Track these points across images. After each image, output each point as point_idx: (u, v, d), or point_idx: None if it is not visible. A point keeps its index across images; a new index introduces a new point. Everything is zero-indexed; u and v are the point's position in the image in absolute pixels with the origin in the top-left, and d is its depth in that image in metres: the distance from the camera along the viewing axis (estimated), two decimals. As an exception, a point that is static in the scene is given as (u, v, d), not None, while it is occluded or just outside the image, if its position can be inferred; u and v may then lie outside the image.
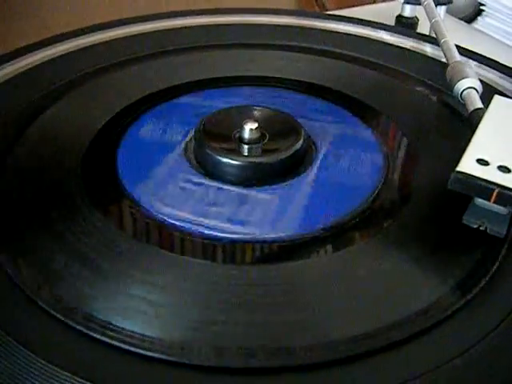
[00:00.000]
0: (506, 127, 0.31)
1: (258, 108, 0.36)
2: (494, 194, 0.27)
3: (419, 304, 0.26)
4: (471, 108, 0.35)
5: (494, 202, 0.27)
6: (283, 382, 0.23)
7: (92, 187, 0.32)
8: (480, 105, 0.35)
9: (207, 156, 0.33)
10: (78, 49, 0.44)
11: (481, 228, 0.28)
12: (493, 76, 0.43)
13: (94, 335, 0.24)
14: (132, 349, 0.24)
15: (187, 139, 0.36)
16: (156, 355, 0.24)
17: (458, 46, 0.43)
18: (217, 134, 0.34)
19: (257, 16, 0.49)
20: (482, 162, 0.28)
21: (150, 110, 0.38)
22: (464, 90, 0.37)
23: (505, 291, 0.27)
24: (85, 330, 0.24)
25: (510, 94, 0.40)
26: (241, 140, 0.33)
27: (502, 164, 0.28)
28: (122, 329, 0.24)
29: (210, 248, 0.29)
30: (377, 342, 0.24)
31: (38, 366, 0.23)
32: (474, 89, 0.37)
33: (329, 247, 0.29)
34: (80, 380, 0.22)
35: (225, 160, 0.32)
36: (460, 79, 0.37)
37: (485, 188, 0.27)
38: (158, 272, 0.27)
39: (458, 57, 0.40)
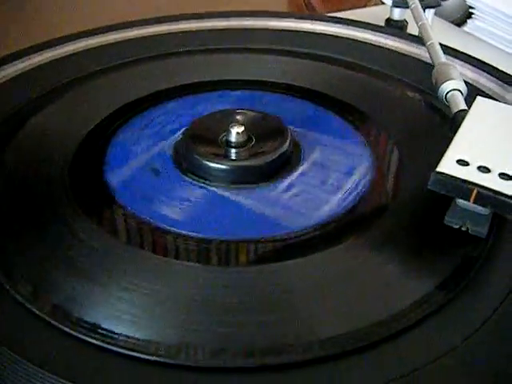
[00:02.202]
0: (487, 128, 0.31)
1: (244, 111, 0.37)
2: (474, 194, 0.27)
3: (403, 302, 0.26)
4: (455, 109, 0.35)
5: (474, 202, 0.27)
6: (273, 381, 0.24)
7: (79, 192, 0.32)
8: (464, 106, 0.35)
9: (194, 160, 0.33)
10: (61, 56, 0.45)
11: (462, 228, 0.28)
12: (478, 77, 0.43)
13: (85, 338, 0.24)
14: (127, 352, 0.24)
15: (175, 143, 0.36)
16: (151, 358, 0.24)
17: (445, 46, 0.43)
18: (204, 137, 0.34)
19: (245, 19, 0.49)
20: (462, 162, 0.28)
21: (138, 115, 0.38)
22: (448, 92, 0.37)
23: (487, 290, 0.27)
24: (76, 334, 0.25)
25: (494, 96, 0.41)
26: (228, 143, 0.34)
27: (481, 164, 0.28)
28: (114, 332, 0.25)
29: (199, 250, 0.29)
30: (361, 341, 0.24)
31: (30, 370, 0.23)
32: (459, 90, 0.37)
33: (315, 248, 0.29)
34: None
35: (212, 163, 0.33)
36: (444, 81, 0.37)
37: (464, 188, 0.27)
38: (150, 275, 0.27)
39: (443, 59, 0.41)
